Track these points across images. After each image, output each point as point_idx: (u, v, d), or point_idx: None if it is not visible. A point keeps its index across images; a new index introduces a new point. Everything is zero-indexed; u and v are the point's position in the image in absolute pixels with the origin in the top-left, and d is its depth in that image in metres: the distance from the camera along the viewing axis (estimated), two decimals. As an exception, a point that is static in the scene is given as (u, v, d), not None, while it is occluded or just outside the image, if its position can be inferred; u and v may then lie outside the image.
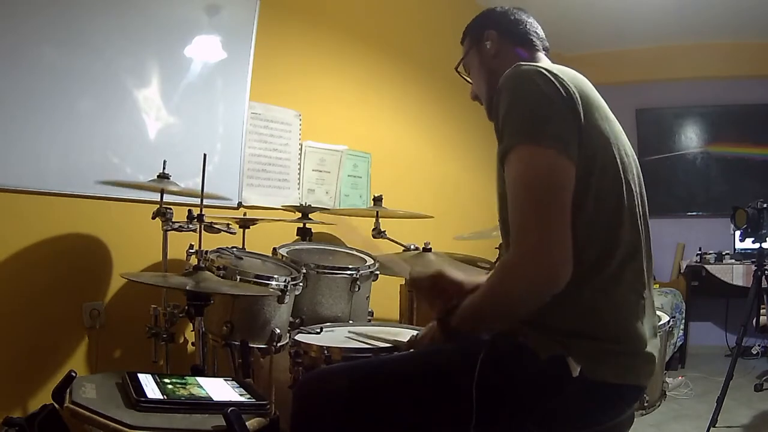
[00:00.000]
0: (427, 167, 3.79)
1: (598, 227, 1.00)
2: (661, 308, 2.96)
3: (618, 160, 1.04)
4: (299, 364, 1.50)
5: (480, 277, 1.27)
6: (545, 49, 1.27)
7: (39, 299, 2.05)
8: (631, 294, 1.03)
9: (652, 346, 1.04)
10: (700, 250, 4.59)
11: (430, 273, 1.28)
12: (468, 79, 1.34)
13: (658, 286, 4.33)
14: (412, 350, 1.28)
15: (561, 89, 0.99)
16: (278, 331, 1.81)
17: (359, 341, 1.57)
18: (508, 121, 0.99)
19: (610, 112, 1.09)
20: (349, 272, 2.07)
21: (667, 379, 2.91)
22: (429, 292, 1.27)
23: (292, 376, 1.52)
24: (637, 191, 1.08)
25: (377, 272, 2.19)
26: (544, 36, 1.28)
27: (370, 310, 2.22)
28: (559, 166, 0.95)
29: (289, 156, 2.93)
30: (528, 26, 1.27)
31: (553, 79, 0.99)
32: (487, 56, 1.26)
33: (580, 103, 0.99)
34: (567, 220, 0.94)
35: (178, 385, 1.16)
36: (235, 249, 2.00)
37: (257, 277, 1.79)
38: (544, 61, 1.21)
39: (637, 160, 1.13)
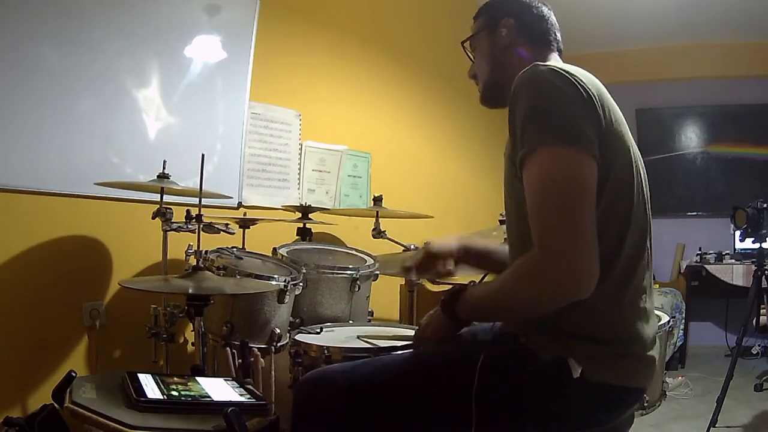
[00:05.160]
0: (427, 167, 3.79)
1: (608, 231, 0.98)
2: (661, 308, 2.95)
3: (633, 165, 1.03)
4: (299, 364, 1.50)
5: (480, 241, 1.28)
6: (559, 51, 1.23)
7: (39, 299, 2.05)
8: (635, 297, 1.03)
9: (654, 350, 1.04)
10: (700, 250, 4.58)
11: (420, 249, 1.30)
12: (471, 55, 1.29)
13: (658, 286, 4.32)
14: (412, 350, 1.28)
15: (582, 91, 0.96)
16: (278, 331, 1.81)
17: (368, 342, 1.56)
18: (530, 122, 0.95)
19: (621, 114, 1.06)
20: (349, 272, 2.07)
21: (667, 379, 2.90)
22: (422, 264, 1.27)
23: (292, 376, 1.52)
24: (646, 195, 1.07)
25: (377, 272, 2.19)
26: (560, 37, 1.24)
27: (370, 310, 2.22)
28: (586, 167, 0.93)
29: (289, 156, 2.93)
30: (549, 25, 1.22)
31: (573, 80, 0.97)
32: (498, 44, 1.22)
33: (600, 107, 0.97)
34: (594, 225, 0.90)
35: (178, 385, 1.16)
36: (235, 249, 1.99)
37: (257, 276, 1.79)
38: (558, 62, 1.18)
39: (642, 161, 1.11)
